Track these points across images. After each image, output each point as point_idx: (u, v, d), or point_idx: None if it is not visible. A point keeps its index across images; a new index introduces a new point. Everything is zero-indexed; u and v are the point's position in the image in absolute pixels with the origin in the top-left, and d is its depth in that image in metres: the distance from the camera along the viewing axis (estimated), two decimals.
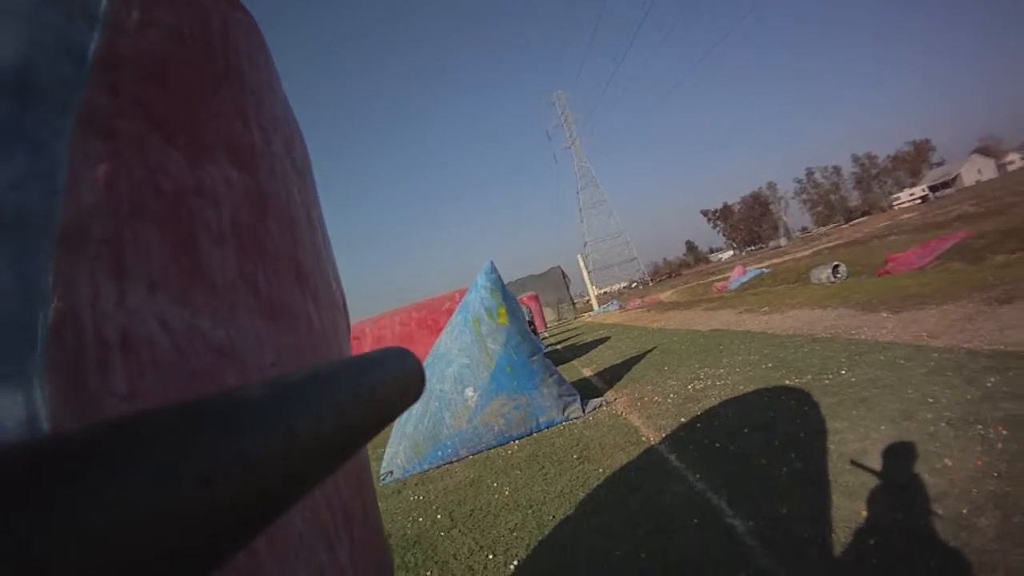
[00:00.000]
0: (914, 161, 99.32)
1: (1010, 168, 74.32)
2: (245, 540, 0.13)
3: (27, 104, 0.23)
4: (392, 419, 0.23)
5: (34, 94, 0.24)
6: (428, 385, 5.89)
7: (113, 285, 0.29)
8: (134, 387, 0.29)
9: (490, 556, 2.91)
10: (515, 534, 3.12)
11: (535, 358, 5.80)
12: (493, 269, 6.08)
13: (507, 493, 3.88)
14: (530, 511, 3.40)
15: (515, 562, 2.78)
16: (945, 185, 77.08)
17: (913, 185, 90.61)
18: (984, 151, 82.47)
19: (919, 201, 74.81)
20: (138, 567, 0.10)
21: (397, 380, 0.24)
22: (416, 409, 5.71)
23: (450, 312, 7.20)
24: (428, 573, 2.94)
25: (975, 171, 76.38)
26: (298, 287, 0.50)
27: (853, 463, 2.62)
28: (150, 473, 0.11)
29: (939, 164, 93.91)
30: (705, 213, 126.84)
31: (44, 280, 0.23)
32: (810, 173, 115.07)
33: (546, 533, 3.02)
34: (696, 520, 2.65)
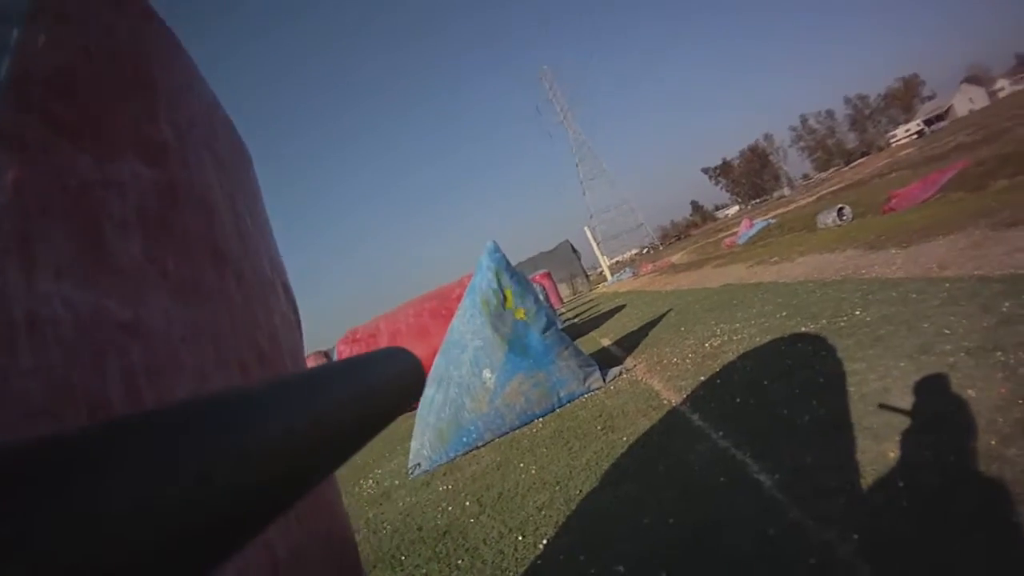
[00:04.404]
0: (905, 97, 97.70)
1: (1000, 95, 72.32)
2: (245, 538, 0.13)
3: None
4: (392, 419, 0.23)
5: None
6: (445, 373, 5.88)
7: (21, 274, 0.35)
8: (39, 361, 0.34)
9: (519, 538, 2.90)
10: (543, 513, 3.10)
11: (548, 332, 5.73)
12: (496, 249, 6.06)
13: (533, 472, 3.87)
14: (557, 488, 3.39)
15: (544, 541, 2.76)
16: (939, 118, 75.89)
17: (908, 121, 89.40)
18: (973, 80, 79.94)
19: (915, 136, 73.98)
20: (138, 563, 0.11)
21: (396, 380, 0.24)
22: (436, 398, 5.72)
23: (460, 298, 7.21)
24: (459, 561, 2.94)
25: (967, 100, 74.96)
26: (214, 269, 0.55)
27: (881, 406, 2.53)
28: (150, 470, 0.12)
29: (930, 97, 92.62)
30: (706, 171, 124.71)
31: None
32: (804, 120, 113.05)
33: (573, 508, 3.01)
34: (722, 479, 2.60)
